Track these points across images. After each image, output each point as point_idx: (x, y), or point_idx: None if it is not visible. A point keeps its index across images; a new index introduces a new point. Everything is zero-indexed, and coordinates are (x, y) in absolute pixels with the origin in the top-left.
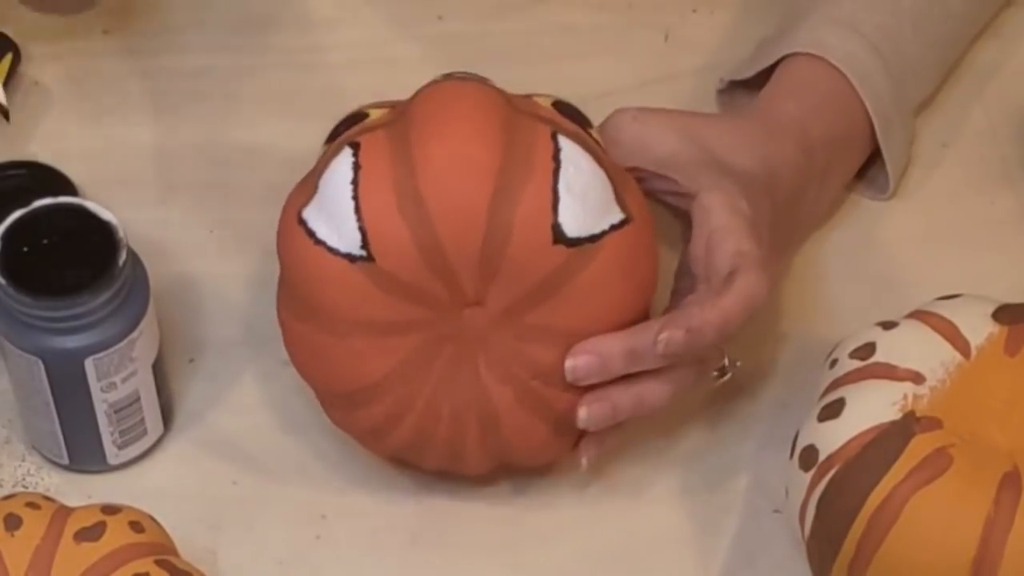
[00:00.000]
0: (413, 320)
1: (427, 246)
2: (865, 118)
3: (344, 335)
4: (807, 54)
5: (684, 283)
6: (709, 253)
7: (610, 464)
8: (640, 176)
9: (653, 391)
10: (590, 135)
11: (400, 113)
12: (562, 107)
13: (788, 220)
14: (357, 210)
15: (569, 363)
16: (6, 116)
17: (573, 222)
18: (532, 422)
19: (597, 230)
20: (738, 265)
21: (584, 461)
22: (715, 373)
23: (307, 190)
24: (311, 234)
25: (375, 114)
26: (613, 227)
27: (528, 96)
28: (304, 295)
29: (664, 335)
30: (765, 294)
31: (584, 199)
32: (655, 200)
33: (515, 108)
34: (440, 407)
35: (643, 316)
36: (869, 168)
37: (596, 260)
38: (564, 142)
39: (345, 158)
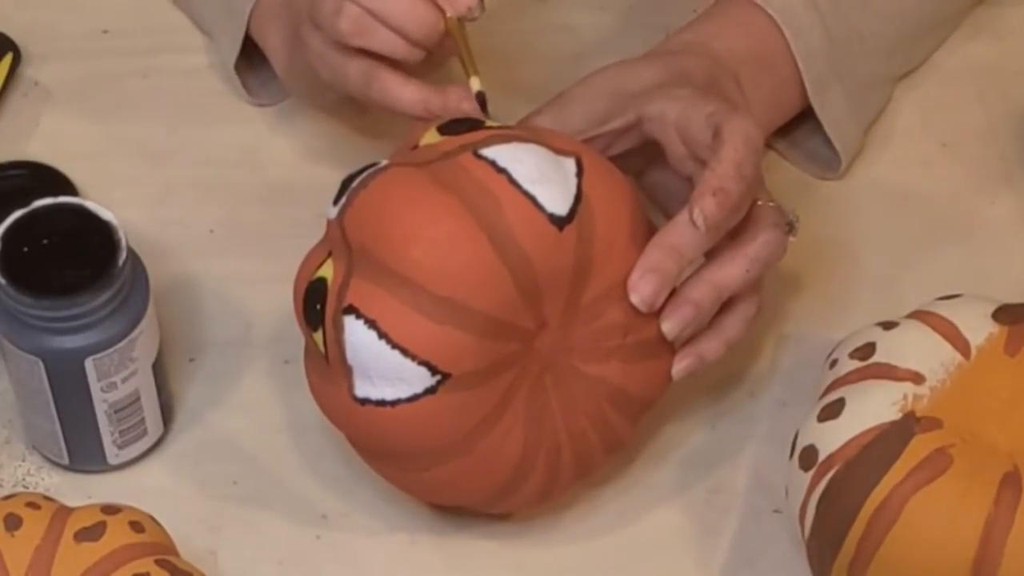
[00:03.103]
0: (497, 399)
1: (485, 328)
2: (794, 72)
3: (452, 457)
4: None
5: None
6: (685, 140)
7: (611, 464)
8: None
9: (727, 273)
10: (491, 127)
11: (348, 251)
12: (449, 127)
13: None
14: (406, 353)
15: (634, 297)
16: None
17: (557, 202)
18: (648, 364)
19: (573, 189)
20: (716, 121)
21: (675, 370)
22: (786, 232)
23: (331, 376)
24: (382, 403)
25: (328, 273)
26: (578, 174)
27: (415, 146)
28: (404, 449)
29: (696, 211)
30: (754, 129)
31: (546, 177)
32: (628, 171)
33: (428, 161)
34: (535, 442)
35: (652, 226)
36: (819, 148)
37: (593, 208)
38: (489, 151)
39: (356, 326)
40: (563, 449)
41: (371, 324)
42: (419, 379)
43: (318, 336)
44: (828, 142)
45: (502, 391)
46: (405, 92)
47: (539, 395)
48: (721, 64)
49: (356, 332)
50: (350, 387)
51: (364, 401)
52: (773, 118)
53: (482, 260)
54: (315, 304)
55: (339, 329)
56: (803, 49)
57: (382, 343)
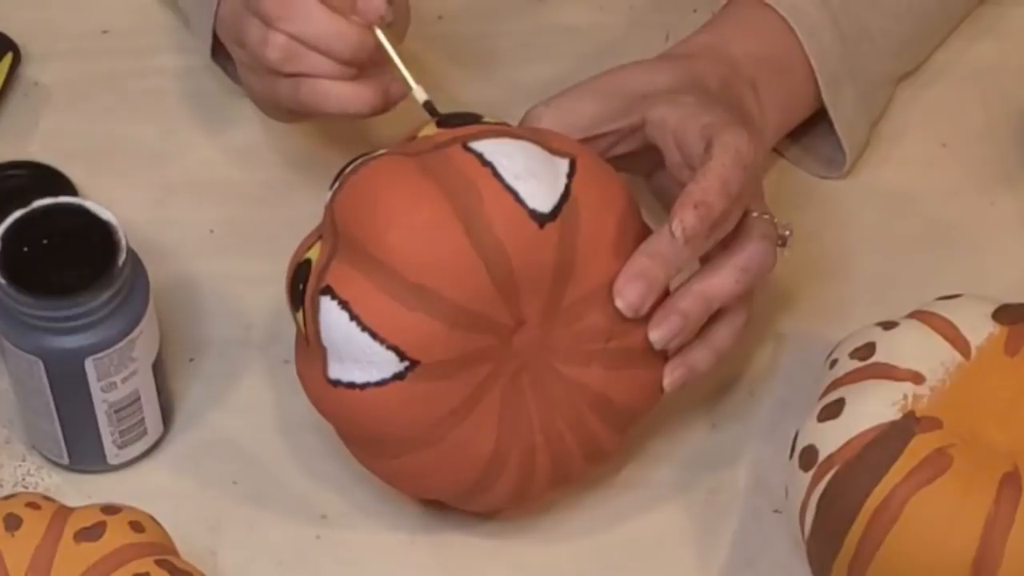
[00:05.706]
0: (470, 388)
1: (456, 318)
2: (809, 72)
3: (421, 446)
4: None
5: None
6: (681, 148)
7: (611, 464)
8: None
9: (716, 284)
10: (487, 123)
11: (334, 234)
12: (446, 120)
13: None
14: (375, 336)
15: (619, 302)
16: None
17: (540, 198)
18: (632, 373)
19: (561, 188)
20: (709, 134)
21: (666, 382)
22: (778, 244)
23: (310, 357)
24: (351, 385)
25: (314, 254)
26: (569, 175)
27: (413, 137)
28: (373, 434)
29: (676, 222)
30: (748, 143)
31: (533, 174)
32: (624, 170)
33: (419, 152)
34: (508, 440)
35: (647, 231)
36: (824, 146)
37: (579, 209)
38: (478, 145)
39: (330, 306)
40: (539, 451)
41: (344, 305)
42: (388, 364)
43: (299, 316)
44: (834, 142)
45: (475, 384)
46: (335, 89)
47: (515, 393)
48: (737, 70)
49: (330, 312)
50: (324, 368)
51: (336, 383)
52: (787, 122)
53: (456, 249)
54: (299, 284)
55: (316, 309)
56: (815, 48)
57: (353, 325)
